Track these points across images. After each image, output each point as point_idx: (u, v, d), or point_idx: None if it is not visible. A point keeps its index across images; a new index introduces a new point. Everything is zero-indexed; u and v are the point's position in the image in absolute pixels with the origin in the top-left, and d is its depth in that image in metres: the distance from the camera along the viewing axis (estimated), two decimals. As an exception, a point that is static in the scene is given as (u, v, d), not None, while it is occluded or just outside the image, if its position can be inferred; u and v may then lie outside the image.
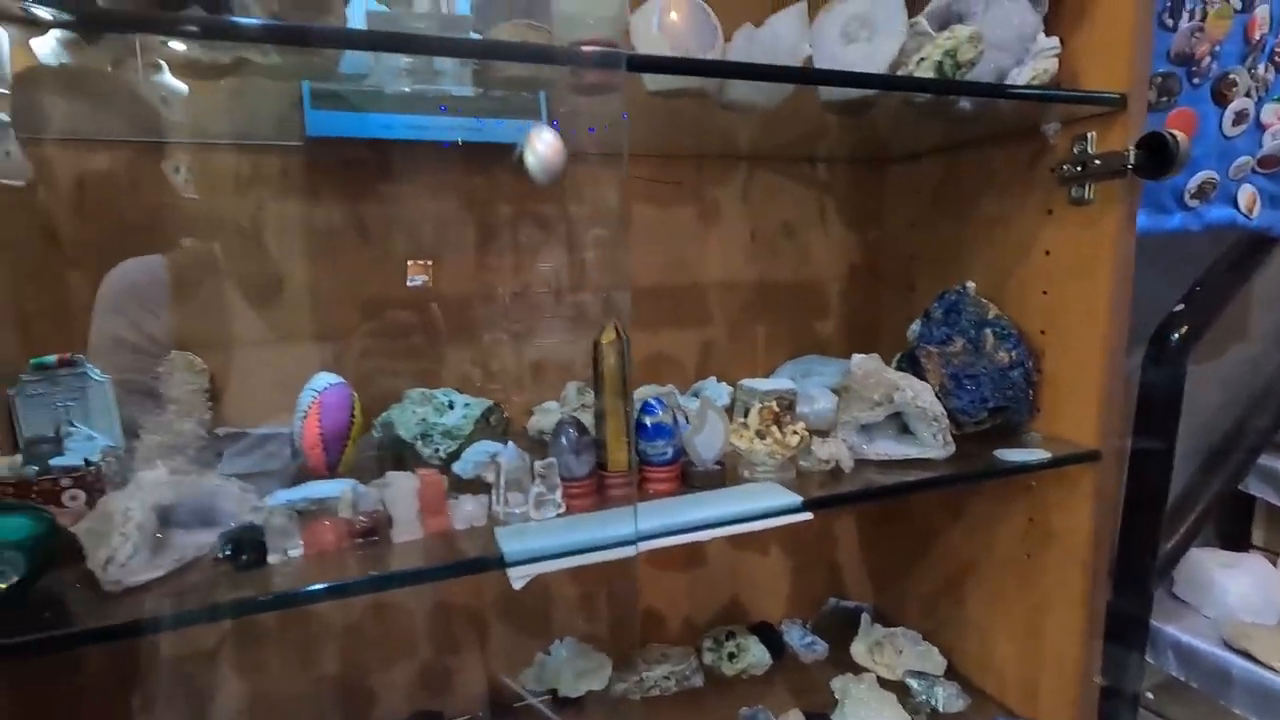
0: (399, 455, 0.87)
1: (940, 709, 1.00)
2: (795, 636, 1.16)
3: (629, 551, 0.64)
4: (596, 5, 0.61)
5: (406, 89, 0.81)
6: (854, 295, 1.20)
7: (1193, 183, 1.28)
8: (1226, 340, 1.75)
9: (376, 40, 0.55)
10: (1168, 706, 1.52)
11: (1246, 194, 1.35)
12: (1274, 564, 1.61)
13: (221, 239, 0.87)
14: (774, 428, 0.77)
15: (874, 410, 0.80)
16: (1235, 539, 1.79)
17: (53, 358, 0.78)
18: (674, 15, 0.64)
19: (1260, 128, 1.34)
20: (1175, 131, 0.74)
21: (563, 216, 0.99)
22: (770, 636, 1.14)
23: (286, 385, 0.89)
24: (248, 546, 0.58)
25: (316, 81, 0.83)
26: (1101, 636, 0.90)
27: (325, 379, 0.84)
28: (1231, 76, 1.29)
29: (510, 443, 0.71)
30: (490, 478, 0.76)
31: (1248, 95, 1.32)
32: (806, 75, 0.70)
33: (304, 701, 0.95)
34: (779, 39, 0.71)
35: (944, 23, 0.84)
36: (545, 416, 0.97)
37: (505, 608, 1.05)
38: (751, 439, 0.77)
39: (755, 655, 1.09)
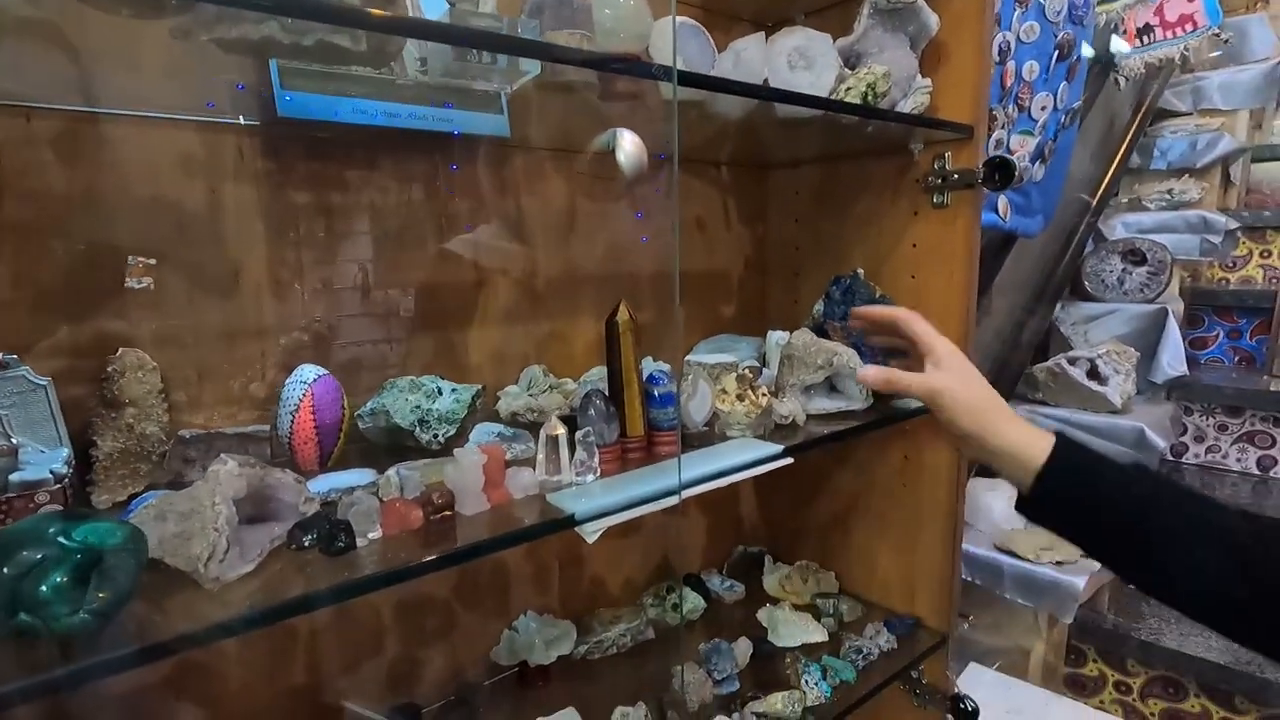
0: (387, 446, 0.87)
1: (845, 618, 1.22)
2: (716, 583, 1.32)
3: (674, 500, 0.73)
4: (630, 23, 0.69)
5: (399, 80, 0.81)
6: (749, 281, 1.38)
7: (973, 193, 1.66)
8: (980, 315, 2.25)
9: (476, 39, 0.58)
10: (959, 603, 1.94)
11: (1002, 203, 1.78)
12: (1018, 484, 2.12)
13: (164, 222, 0.78)
14: (749, 392, 0.90)
15: (816, 373, 0.97)
16: (986, 468, 2.31)
17: (-20, 359, 0.66)
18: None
19: (1010, 153, 1.77)
20: (1010, 157, 1.01)
21: (545, 209, 1.04)
22: (698, 585, 1.29)
23: (239, 383, 0.84)
24: (340, 532, 0.58)
25: (285, 60, 0.79)
26: (961, 544, 1.18)
27: (312, 370, 0.81)
28: (993, 112, 1.69)
29: (554, 416, 0.76)
30: (517, 451, 0.80)
31: (1003, 128, 1.73)
32: (830, 104, 0.86)
33: (274, 710, 0.89)
34: (753, 61, 0.84)
35: (847, 59, 1.03)
36: (509, 400, 1.01)
37: (465, 594, 1.06)
38: (732, 402, 0.90)
39: (693, 602, 1.23)
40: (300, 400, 0.78)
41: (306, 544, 0.58)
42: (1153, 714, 1.98)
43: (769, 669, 1.11)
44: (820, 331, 1.15)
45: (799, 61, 0.93)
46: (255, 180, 0.83)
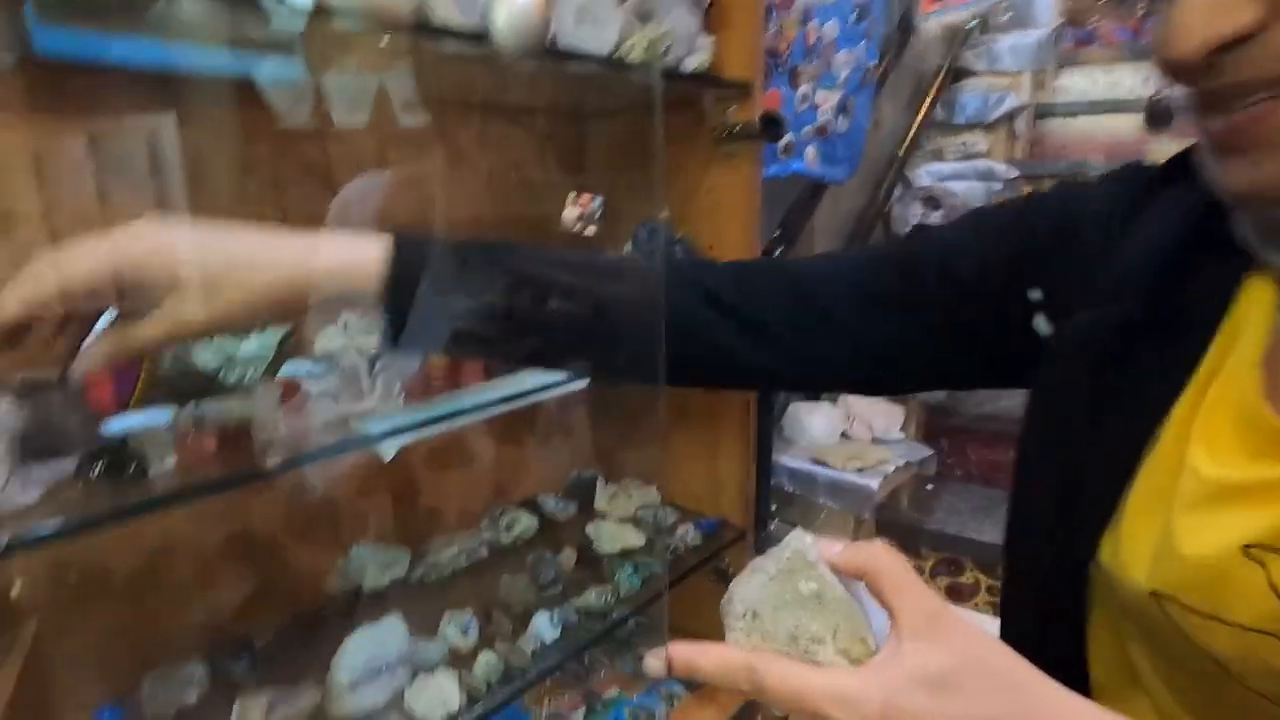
0: (194, 390, 0.88)
1: (663, 526, 1.39)
2: (550, 505, 1.44)
3: (482, 415, 0.82)
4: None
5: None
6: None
7: (781, 143, 1.82)
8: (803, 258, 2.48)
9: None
10: (782, 509, 2.20)
11: (810, 152, 1.96)
12: (834, 405, 2.40)
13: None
14: (550, 324, 1.00)
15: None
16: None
17: None
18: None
19: (815, 106, 1.94)
20: (779, 112, 1.15)
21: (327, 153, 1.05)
22: (534, 508, 1.40)
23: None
24: (130, 461, 0.62)
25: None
26: (758, 457, 1.37)
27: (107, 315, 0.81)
28: (799, 68, 1.85)
29: (353, 350, 0.82)
30: (319, 386, 0.86)
31: (809, 82, 1.90)
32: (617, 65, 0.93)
33: (97, 645, 0.91)
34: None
35: (637, 14, 1.12)
36: (326, 340, 1.05)
37: (296, 531, 1.11)
38: (535, 334, 0.99)
39: (526, 523, 1.34)
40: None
41: (94, 474, 0.62)
42: (940, 588, 2.37)
43: (591, 572, 1.25)
44: (629, 270, 1.26)
45: (586, 17, 1.01)
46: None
